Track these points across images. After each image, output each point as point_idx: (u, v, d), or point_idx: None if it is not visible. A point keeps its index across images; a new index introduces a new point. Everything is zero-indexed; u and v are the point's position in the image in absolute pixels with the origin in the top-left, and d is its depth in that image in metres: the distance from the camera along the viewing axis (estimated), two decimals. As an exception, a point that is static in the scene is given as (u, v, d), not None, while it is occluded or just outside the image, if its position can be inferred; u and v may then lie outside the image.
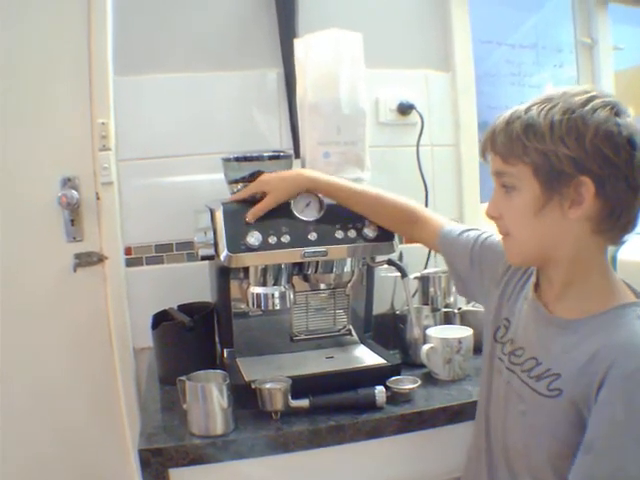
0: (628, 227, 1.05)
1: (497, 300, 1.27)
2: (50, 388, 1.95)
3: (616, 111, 1.00)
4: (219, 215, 1.51)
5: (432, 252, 2.07)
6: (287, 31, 1.95)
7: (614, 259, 2.00)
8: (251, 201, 1.52)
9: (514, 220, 1.11)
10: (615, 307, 1.04)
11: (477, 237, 1.38)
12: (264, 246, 1.48)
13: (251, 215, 1.49)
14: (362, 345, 1.78)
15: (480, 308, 1.86)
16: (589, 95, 1.02)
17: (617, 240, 1.08)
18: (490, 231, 1.35)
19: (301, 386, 1.46)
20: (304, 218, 1.54)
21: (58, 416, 1.96)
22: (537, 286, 1.19)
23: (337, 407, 1.45)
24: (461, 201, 2.21)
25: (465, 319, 1.86)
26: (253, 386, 1.45)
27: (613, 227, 1.04)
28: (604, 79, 2.54)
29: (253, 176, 1.59)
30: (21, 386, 1.93)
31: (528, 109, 1.04)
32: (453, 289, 1.97)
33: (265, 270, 1.55)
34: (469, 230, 1.42)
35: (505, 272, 1.27)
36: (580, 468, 0.98)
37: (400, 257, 1.86)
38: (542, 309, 1.15)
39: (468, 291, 1.44)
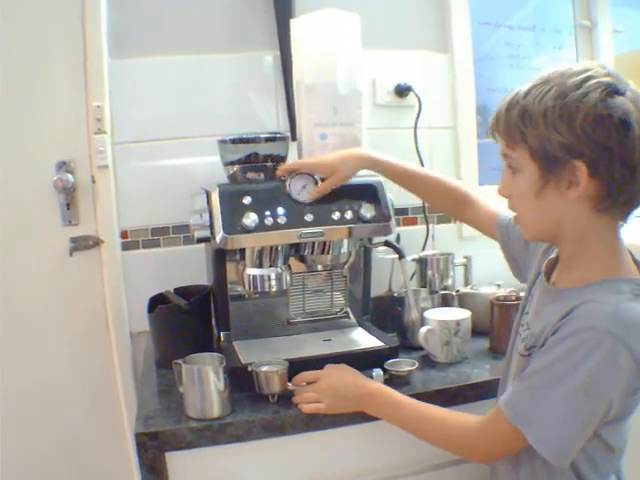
0: (633, 203, 1.08)
1: (533, 277, 1.30)
2: (47, 372, 1.95)
3: (610, 91, 1.01)
4: (215, 197, 1.51)
5: (429, 234, 2.09)
6: (283, 12, 1.93)
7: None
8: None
9: (519, 200, 1.16)
10: (606, 280, 1.07)
11: None
12: (260, 227, 1.47)
13: (316, 193, 1.54)
14: (360, 327, 1.78)
15: (478, 290, 1.86)
16: (585, 75, 1.03)
17: (624, 216, 1.10)
18: None
19: (298, 369, 1.45)
20: (301, 200, 1.53)
21: (55, 400, 1.96)
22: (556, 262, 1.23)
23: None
24: (459, 183, 2.19)
25: (463, 301, 1.86)
26: (250, 369, 1.44)
27: (614, 205, 1.06)
28: (603, 62, 2.52)
29: (249, 158, 1.58)
30: (18, 370, 1.92)
31: (527, 93, 1.07)
32: (451, 272, 1.97)
33: (261, 252, 1.54)
34: None
35: (546, 249, 1.30)
36: (506, 393, 1.12)
37: (397, 239, 1.85)
38: (543, 279, 1.21)
39: (522, 270, 1.45)
